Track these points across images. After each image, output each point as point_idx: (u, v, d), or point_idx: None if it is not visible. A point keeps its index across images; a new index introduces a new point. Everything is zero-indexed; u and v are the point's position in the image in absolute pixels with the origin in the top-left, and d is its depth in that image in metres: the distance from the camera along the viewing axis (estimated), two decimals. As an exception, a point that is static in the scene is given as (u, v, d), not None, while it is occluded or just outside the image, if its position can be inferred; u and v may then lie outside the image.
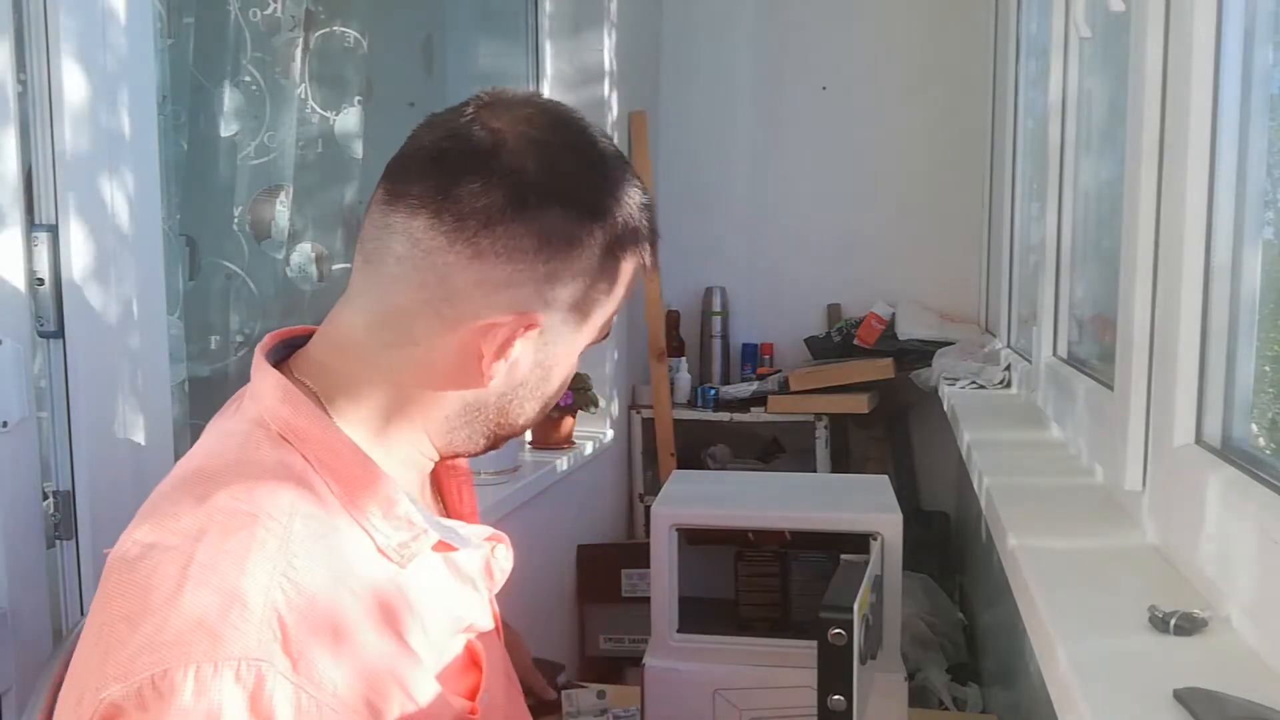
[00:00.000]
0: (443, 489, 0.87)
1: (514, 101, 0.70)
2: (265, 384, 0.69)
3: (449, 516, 0.85)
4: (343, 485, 0.66)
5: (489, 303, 0.68)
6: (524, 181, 0.66)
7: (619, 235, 0.71)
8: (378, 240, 0.69)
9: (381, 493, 0.67)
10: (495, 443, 0.77)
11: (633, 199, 0.72)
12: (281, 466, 0.65)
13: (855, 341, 2.76)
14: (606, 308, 0.74)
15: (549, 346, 0.72)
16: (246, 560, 0.58)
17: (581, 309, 0.72)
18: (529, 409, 0.76)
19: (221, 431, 0.70)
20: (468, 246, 0.66)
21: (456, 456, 0.78)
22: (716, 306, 2.95)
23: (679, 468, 2.74)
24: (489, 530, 0.80)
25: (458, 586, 0.74)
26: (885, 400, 2.76)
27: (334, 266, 1.70)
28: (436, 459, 0.76)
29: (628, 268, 0.73)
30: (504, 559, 0.80)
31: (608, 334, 0.77)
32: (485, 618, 0.78)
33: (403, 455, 0.73)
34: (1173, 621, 0.68)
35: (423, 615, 0.68)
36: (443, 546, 0.72)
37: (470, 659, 0.75)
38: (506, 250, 0.67)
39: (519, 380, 0.73)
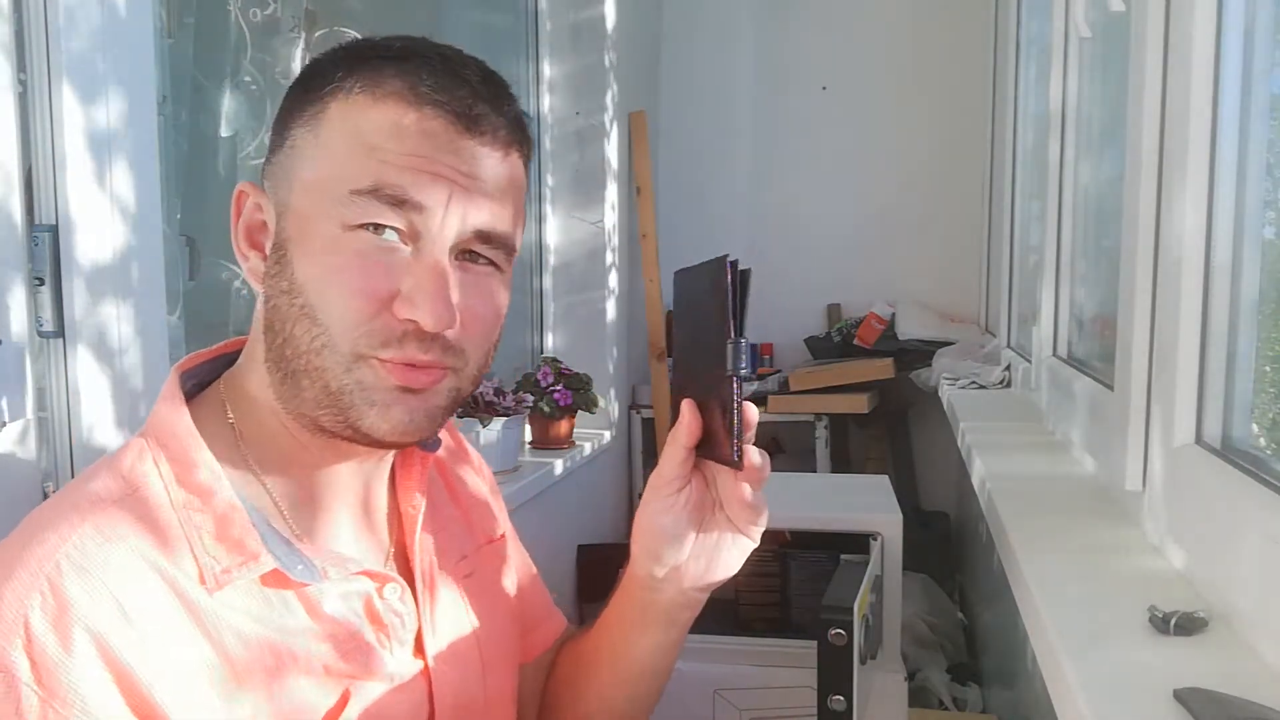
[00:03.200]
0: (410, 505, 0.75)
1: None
2: (165, 389, 0.67)
3: (404, 532, 0.73)
4: (189, 510, 0.61)
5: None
6: (315, 69, 0.66)
7: (330, 76, 0.63)
8: None
9: (217, 507, 0.61)
10: (308, 394, 0.63)
11: (391, 50, 0.65)
12: (105, 485, 0.61)
13: (855, 341, 2.76)
14: (314, 162, 0.63)
15: (279, 222, 0.64)
16: (15, 565, 0.55)
17: (293, 159, 0.64)
18: (298, 326, 0.62)
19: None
20: (276, 152, 0.66)
21: (317, 426, 0.64)
22: (716, 306, 2.95)
23: (679, 468, 2.74)
24: (385, 576, 0.68)
25: (308, 621, 0.63)
26: (885, 400, 2.76)
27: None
28: (320, 447, 0.66)
29: (339, 109, 0.63)
30: (395, 601, 0.67)
31: (384, 193, 0.61)
32: (393, 666, 0.67)
33: (307, 478, 0.67)
34: (1173, 621, 0.68)
35: (229, 649, 0.59)
36: (279, 579, 0.62)
37: (339, 710, 0.63)
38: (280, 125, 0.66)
39: (269, 275, 0.64)
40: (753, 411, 0.67)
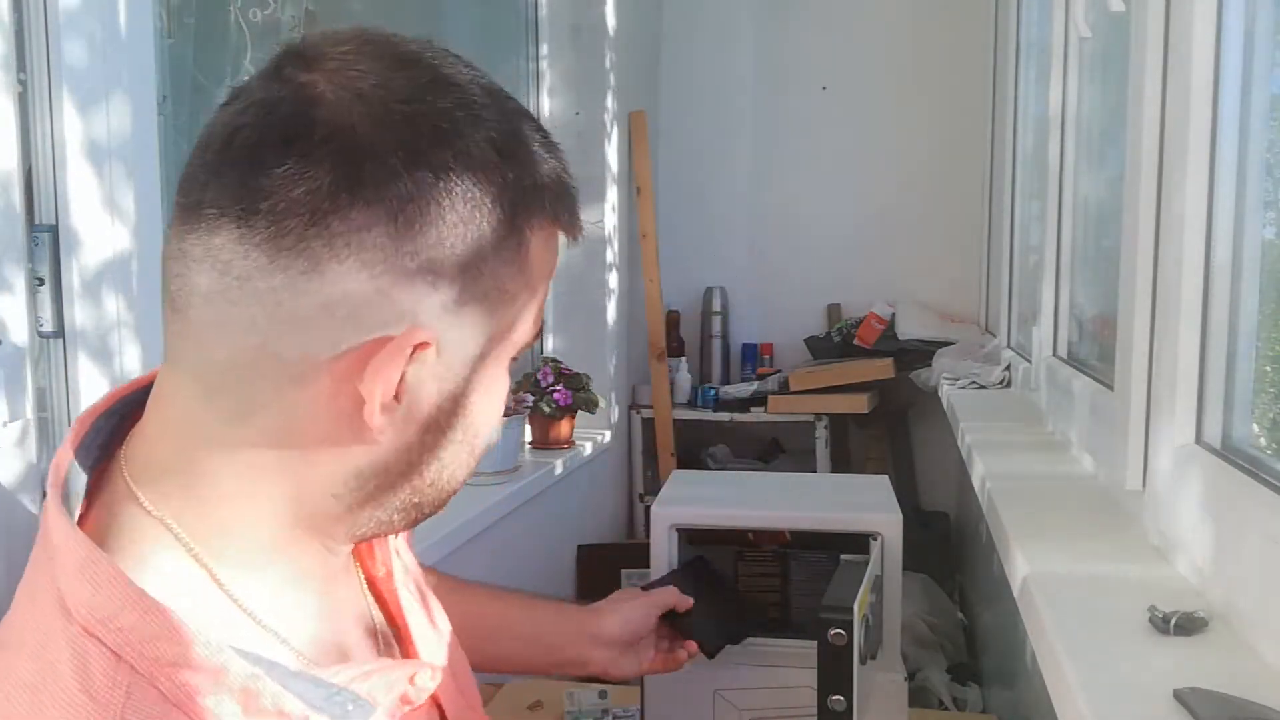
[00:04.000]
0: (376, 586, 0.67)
1: (330, 42, 0.51)
2: (60, 538, 0.49)
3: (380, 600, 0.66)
4: (183, 688, 0.47)
5: (349, 328, 0.49)
6: (355, 146, 0.47)
7: (512, 194, 0.51)
8: (179, 278, 0.50)
9: (234, 682, 0.48)
10: (418, 517, 0.58)
11: (525, 142, 0.53)
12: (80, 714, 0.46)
13: (855, 341, 2.76)
14: (519, 297, 0.54)
15: (455, 368, 0.53)
16: None
17: (486, 305, 0.52)
18: (454, 462, 0.56)
19: (14, 625, 0.51)
20: (297, 257, 0.47)
21: (373, 538, 0.59)
22: (716, 306, 2.95)
23: (679, 468, 2.74)
24: (407, 666, 0.60)
25: None
26: (885, 400, 2.76)
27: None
28: (347, 551, 0.59)
29: (537, 238, 0.54)
30: (426, 683, 0.61)
31: (539, 333, 0.60)
32: None
33: (285, 573, 0.54)
34: (1173, 621, 0.68)
35: None
36: None
37: None
38: (352, 248, 0.47)
39: (425, 423, 0.53)
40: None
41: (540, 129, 0.55)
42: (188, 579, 0.51)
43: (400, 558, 0.70)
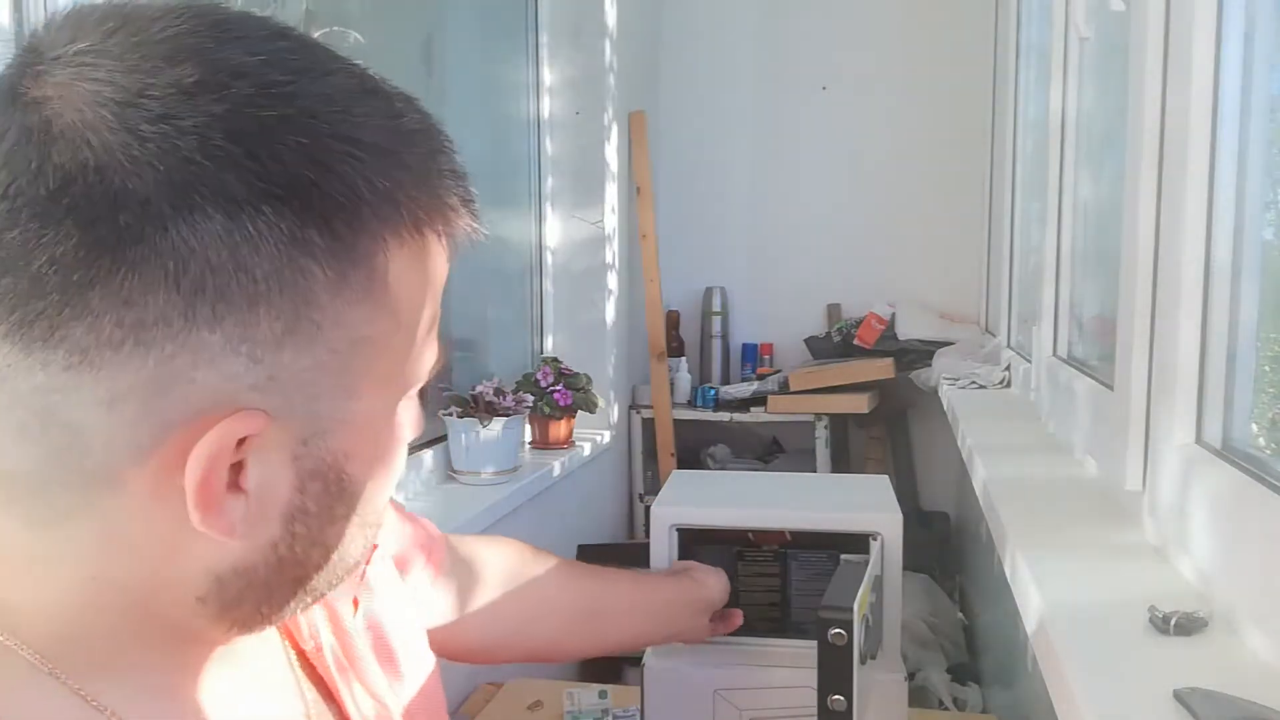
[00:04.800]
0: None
1: (70, 32, 0.38)
2: None
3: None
4: None
5: (145, 428, 0.38)
6: (103, 189, 0.35)
7: (343, 216, 0.38)
8: None
9: None
10: (316, 600, 0.47)
11: (353, 139, 0.39)
12: None
13: (855, 341, 2.76)
14: (389, 339, 0.42)
15: (314, 444, 0.42)
16: None
17: (339, 361, 0.41)
18: (346, 541, 0.45)
19: None
20: (55, 349, 0.36)
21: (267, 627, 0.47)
22: (716, 306, 2.95)
23: (679, 468, 2.74)
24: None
25: None
26: (885, 400, 2.76)
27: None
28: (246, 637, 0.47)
29: (400, 267, 0.41)
30: None
31: (440, 362, 0.47)
32: None
33: (168, 682, 0.45)
34: (1173, 621, 0.68)
35: None
36: None
37: None
38: (126, 328, 0.36)
39: (289, 513, 0.42)
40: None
41: (387, 110, 0.41)
42: (39, 689, 0.41)
43: (358, 611, 0.61)
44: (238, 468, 0.40)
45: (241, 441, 0.39)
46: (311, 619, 0.56)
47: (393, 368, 0.44)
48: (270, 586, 0.44)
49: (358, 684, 0.58)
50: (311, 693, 0.55)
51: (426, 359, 0.46)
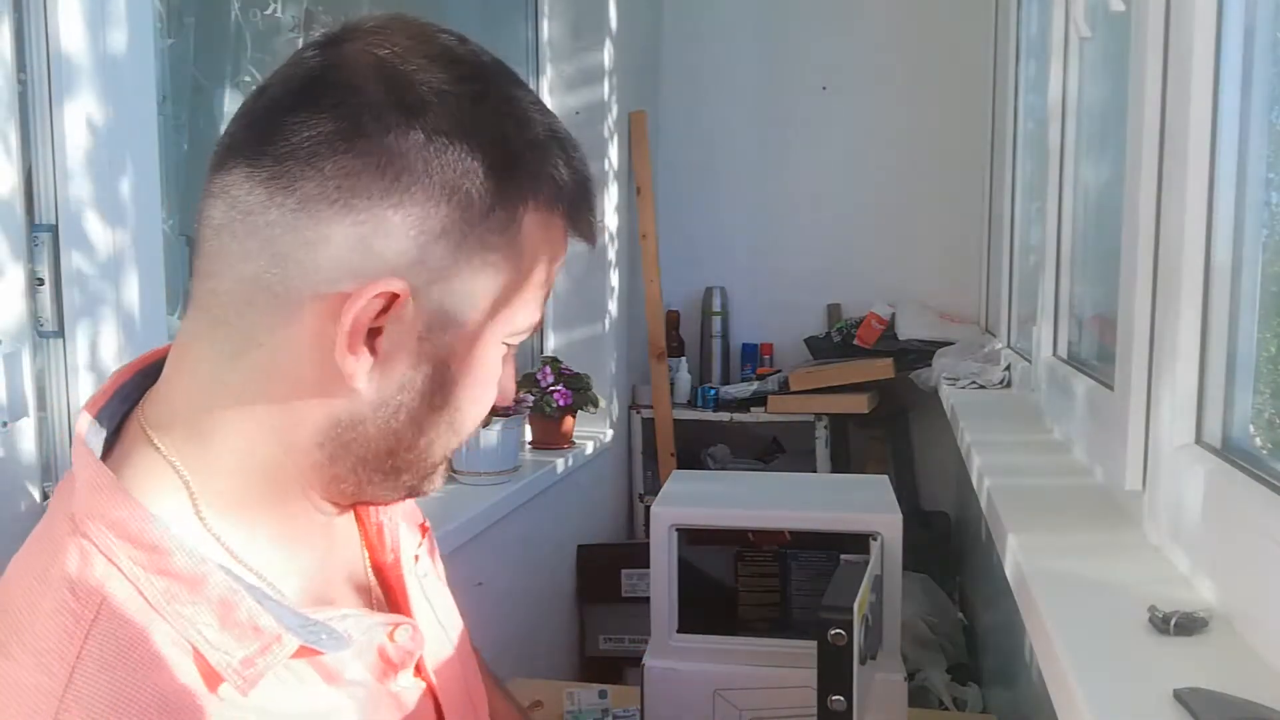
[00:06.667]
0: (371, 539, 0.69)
1: (365, 25, 0.54)
2: (77, 464, 0.54)
3: (379, 572, 0.68)
4: (173, 604, 0.50)
5: (332, 270, 0.51)
6: (360, 101, 0.51)
7: (509, 170, 0.54)
8: (200, 214, 0.54)
9: (213, 592, 0.51)
10: (399, 488, 0.59)
11: (533, 126, 0.55)
12: (57, 625, 0.49)
13: (855, 341, 2.76)
14: (507, 273, 0.55)
15: (437, 332, 0.54)
16: None
17: (470, 272, 0.54)
18: (434, 434, 0.57)
19: (32, 538, 0.56)
20: (290, 195, 0.51)
21: (358, 505, 0.62)
22: (716, 306, 2.95)
23: (679, 468, 2.74)
24: (388, 617, 0.62)
25: (332, 692, 0.56)
26: (885, 400, 2.76)
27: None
28: (333, 511, 0.61)
29: (532, 223, 0.55)
30: (406, 641, 0.62)
31: (538, 328, 0.60)
32: (404, 697, 0.63)
33: (275, 521, 0.57)
34: (1173, 621, 0.68)
35: None
36: (306, 652, 0.54)
37: None
38: (341, 193, 0.51)
39: (403, 384, 0.55)
40: None
41: (546, 113, 0.56)
42: (180, 509, 0.54)
43: (419, 563, 0.71)
44: (375, 333, 0.53)
45: (383, 313, 0.52)
46: (394, 535, 0.67)
47: (505, 301, 0.56)
48: (370, 446, 0.56)
49: (422, 599, 0.68)
50: (378, 591, 0.66)
51: (531, 310, 0.58)
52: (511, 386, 0.62)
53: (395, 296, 0.52)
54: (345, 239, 0.51)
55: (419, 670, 0.66)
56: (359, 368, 0.53)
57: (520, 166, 0.54)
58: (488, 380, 0.58)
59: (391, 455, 0.57)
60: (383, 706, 0.60)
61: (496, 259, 0.54)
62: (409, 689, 0.64)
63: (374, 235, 0.51)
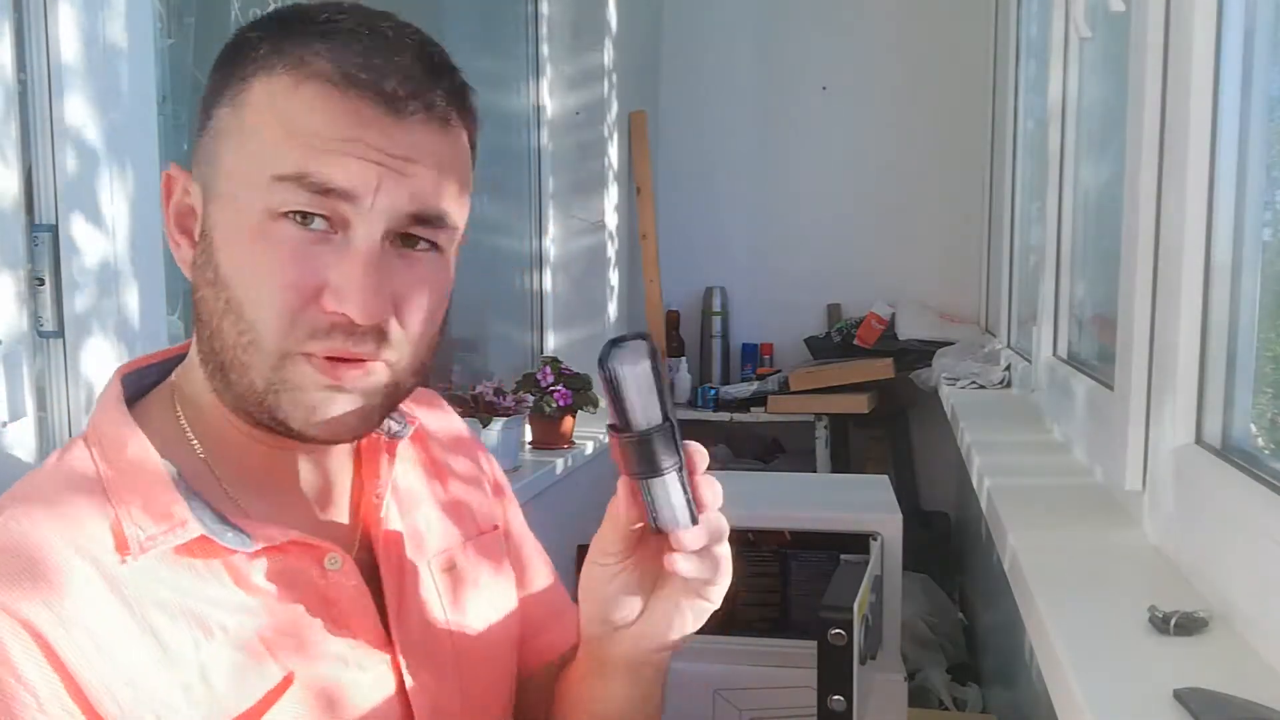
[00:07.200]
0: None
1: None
2: (99, 399, 0.67)
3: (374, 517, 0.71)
4: (117, 483, 0.61)
5: (199, 185, 0.63)
6: (231, 52, 0.63)
7: (252, 58, 0.60)
8: None
9: (146, 480, 0.61)
10: (226, 383, 0.62)
11: (295, 20, 0.61)
12: (38, 475, 0.62)
13: (855, 341, 2.76)
14: (230, 133, 0.60)
15: (200, 204, 0.62)
16: None
17: (209, 138, 0.62)
18: (219, 319, 0.61)
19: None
20: (209, 123, 0.64)
21: (253, 420, 0.63)
22: (716, 306, 2.95)
23: (679, 468, 2.74)
24: (324, 544, 0.64)
25: (241, 597, 0.61)
26: (885, 400, 2.76)
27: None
28: (269, 440, 0.65)
29: (260, 82, 0.60)
30: (338, 576, 0.64)
31: (298, 179, 0.58)
32: (343, 650, 0.64)
33: (249, 455, 0.66)
34: (1173, 621, 0.68)
35: (152, 622, 0.58)
36: (207, 549, 0.60)
37: (281, 690, 0.61)
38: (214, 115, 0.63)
39: (192, 263, 0.63)
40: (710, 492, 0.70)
41: (338, 25, 0.61)
42: (178, 445, 0.65)
43: (454, 566, 0.75)
44: (169, 201, 0.65)
45: (168, 186, 0.64)
46: (387, 478, 0.71)
47: (240, 160, 0.60)
48: (201, 346, 0.63)
49: (401, 529, 0.72)
50: (360, 533, 0.70)
51: (277, 161, 0.58)
52: (356, 294, 0.58)
53: (171, 179, 0.64)
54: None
55: (386, 643, 0.66)
56: (181, 258, 0.63)
57: (262, 52, 0.60)
58: (250, 250, 0.59)
59: (213, 354, 0.62)
60: (311, 641, 0.63)
61: (220, 124, 0.61)
62: (363, 654, 0.65)
63: (198, 132, 0.63)
